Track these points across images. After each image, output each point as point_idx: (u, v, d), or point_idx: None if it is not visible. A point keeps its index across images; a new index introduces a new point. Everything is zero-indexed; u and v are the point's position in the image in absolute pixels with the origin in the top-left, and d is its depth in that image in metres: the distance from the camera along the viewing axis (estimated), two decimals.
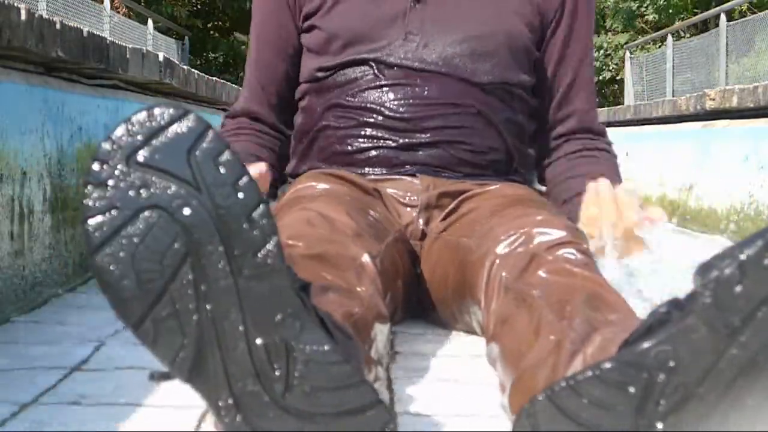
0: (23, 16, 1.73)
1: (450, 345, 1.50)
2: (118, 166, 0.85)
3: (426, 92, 1.63)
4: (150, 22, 13.22)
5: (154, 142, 0.85)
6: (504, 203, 1.52)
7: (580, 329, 1.04)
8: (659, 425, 0.85)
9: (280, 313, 0.86)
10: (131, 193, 0.85)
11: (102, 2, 11.46)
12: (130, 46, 2.53)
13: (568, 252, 1.26)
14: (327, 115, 1.68)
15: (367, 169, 1.64)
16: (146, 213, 0.85)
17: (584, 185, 1.44)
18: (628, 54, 14.36)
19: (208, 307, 0.86)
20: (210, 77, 4.12)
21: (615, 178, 1.58)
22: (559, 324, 1.07)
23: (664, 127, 4.86)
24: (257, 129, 1.77)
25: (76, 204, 2.02)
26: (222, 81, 4.48)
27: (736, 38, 10.23)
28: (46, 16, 1.87)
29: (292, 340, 0.86)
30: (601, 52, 16.73)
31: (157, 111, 0.85)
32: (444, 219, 1.57)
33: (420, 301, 1.60)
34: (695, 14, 13.95)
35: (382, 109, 1.63)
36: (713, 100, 3.91)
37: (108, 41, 2.28)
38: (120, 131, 0.85)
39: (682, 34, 13.34)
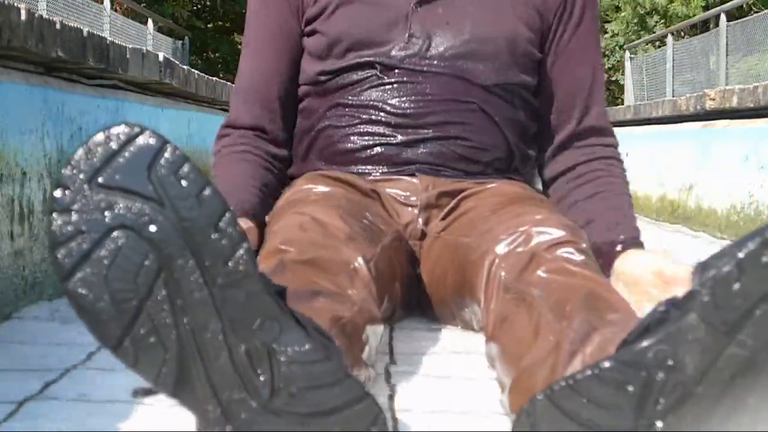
0: (23, 16, 1.73)
1: (449, 343, 1.51)
2: (81, 190, 0.85)
3: (428, 89, 1.63)
4: (150, 22, 13.21)
5: (113, 162, 0.85)
6: (503, 202, 1.52)
7: (580, 329, 1.04)
8: (659, 424, 0.85)
9: (258, 318, 0.87)
10: (96, 215, 0.85)
11: (102, 2, 11.45)
12: (130, 46, 2.53)
13: (568, 251, 1.26)
14: (328, 114, 1.67)
15: (367, 167, 1.63)
16: (114, 234, 0.85)
17: (603, 236, 1.54)
18: (628, 54, 14.34)
19: (185, 320, 0.86)
20: (210, 77, 4.12)
21: (632, 228, 1.58)
22: (558, 324, 1.08)
23: (664, 127, 4.86)
24: (259, 147, 1.68)
25: None
26: (222, 81, 4.48)
27: (736, 38, 10.22)
28: (46, 16, 1.86)
29: (272, 343, 0.86)
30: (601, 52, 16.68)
31: (113, 131, 0.85)
32: (443, 218, 1.57)
33: (419, 300, 1.61)
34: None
35: (384, 106, 1.63)
36: (713, 100, 3.91)
37: (108, 41, 2.28)
38: (79, 155, 0.85)
39: (683, 34, 13.33)
